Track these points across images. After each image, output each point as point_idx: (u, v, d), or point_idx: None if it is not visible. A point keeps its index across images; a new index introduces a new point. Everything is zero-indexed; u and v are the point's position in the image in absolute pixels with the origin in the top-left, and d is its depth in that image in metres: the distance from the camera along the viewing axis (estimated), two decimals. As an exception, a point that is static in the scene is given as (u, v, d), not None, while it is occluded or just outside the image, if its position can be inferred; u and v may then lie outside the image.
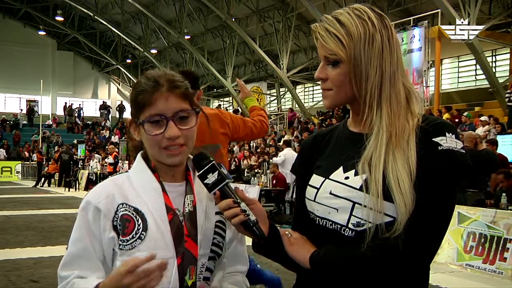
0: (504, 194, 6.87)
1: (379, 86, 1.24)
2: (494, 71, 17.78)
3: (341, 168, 1.27)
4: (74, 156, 23.29)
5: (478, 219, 6.46)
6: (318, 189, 1.29)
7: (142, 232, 1.28)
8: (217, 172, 1.25)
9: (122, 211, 1.30)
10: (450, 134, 1.20)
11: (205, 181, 1.26)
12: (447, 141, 1.19)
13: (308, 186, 1.33)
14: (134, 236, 1.28)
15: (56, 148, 27.63)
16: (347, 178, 1.25)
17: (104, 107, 37.71)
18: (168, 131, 1.28)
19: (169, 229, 1.29)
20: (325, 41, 1.25)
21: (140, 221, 1.29)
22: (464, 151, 1.19)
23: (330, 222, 1.26)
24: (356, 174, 1.23)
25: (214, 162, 1.27)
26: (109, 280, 1.22)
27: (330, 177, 1.28)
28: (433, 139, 1.19)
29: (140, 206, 1.31)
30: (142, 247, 1.27)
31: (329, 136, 1.39)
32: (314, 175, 1.33)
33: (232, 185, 1.28)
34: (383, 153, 1.20)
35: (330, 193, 1.26)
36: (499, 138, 10.90)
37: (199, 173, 1.27)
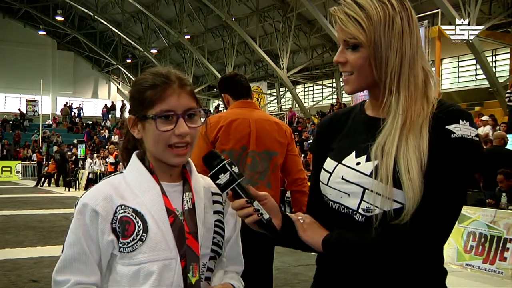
0: (504, 194, 6.86)
1: (399, 69, 1.22)
2: (494, 71, 17.76)
3: (353, 153, 1.28)
4: (67, 155, 23.14)
5: (478, 219, 6.46)
6: (331, 173, 1.30)
7: (143, 234, 1.26)
8: (228, 172, 1.24)
9: (121, 213, 1.27)
10: (464, 121, 1.19)
11: (216, 182, 1.25)
12: (461, 129, 1.18)
13: (322, 170, 1.34)
14: (135, 238, 1.25)
15: (55, 148, 27.63)
16: (358, 163, 1.25)
17: (113, 107, 37.68)
18: (178, 128, 1.27)
19: (171, 231, 1.27)
20: (344, 25, 1.23)
21: (140, 222, 1.27)
22: (478, 139, 1.18)
23: (342, 206, 1.27)
24: (367, 159, 1.24)
25: (225, 162, 1.26)
26: None
27: (342, 162, 1.29)
28: (446, 127, 1.19)
29: (139, 207, 1.28)
30: (143, 249, 1.25)
31: (346, 118, 1.39)
32: (328, 158, 1.34)
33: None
34: (396, 139, 1.20)
35: (342, 178, 1.27)
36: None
37: (211, 173, 1.26)
